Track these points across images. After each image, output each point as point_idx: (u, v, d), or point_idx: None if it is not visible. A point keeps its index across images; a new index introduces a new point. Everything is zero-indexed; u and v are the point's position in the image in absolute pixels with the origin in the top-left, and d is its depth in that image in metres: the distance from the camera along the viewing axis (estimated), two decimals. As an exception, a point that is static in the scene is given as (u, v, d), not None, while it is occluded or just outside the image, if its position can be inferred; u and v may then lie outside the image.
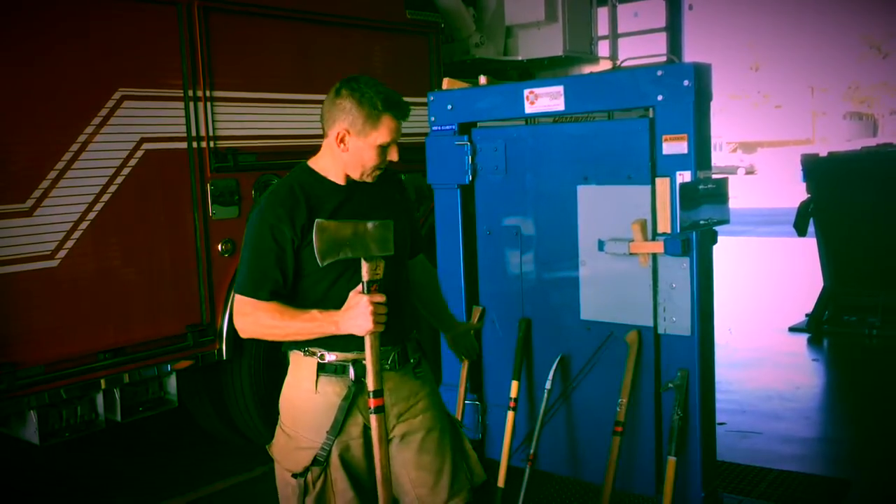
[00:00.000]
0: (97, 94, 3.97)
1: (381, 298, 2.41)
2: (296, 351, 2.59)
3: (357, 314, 2.40)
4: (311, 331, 2.47)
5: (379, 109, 2.50)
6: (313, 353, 2.55)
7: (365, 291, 2.41)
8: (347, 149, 2.54)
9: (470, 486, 2.75)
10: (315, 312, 2.46)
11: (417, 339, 2.75)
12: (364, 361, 2.49)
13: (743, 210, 18.67)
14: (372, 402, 2.45)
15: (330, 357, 2.54)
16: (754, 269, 12.01)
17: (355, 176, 2.59)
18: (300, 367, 2.59)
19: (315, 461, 2.53)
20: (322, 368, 2.54)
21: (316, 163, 2.63)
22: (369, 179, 2.59)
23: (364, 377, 2.50)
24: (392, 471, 2.61)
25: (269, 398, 4.71)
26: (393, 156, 2.58)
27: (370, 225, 2.44)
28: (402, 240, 2.66)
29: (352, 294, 2.43)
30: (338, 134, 2.53)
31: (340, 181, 2.59)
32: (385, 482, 2.47)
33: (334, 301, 2.47)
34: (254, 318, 2.50)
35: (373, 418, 2.45)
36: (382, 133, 2.52)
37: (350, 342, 2.50)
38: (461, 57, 6.32)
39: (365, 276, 2.42)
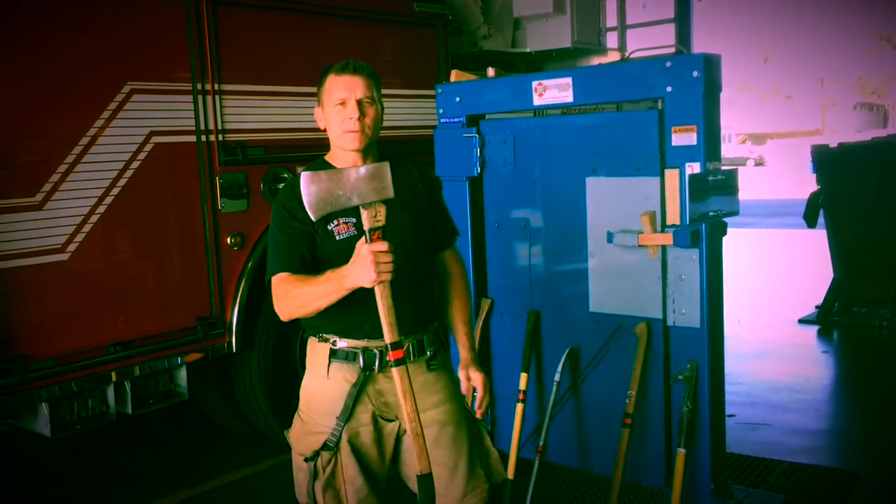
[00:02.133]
0: (106, 88, 3.98)
1: (383, 246, 2.29)
2: (312, 337, 2.61)
3: (360, 265, 2.29)
4: (328, 291, 2.40)
5: (324, 74, 2.58)
6: (326, 340, 2.57)
7: (368, 240, 2.33)
8: (324, 125, 2.59)
9: (488, 483, 2.69)
10: (329, 273, 2.41)
11: (437, 331, 2.71)
12: (373, 349, 2.50)
13: (752, 202, 18.61)
14: (391, 355, 2.36)
15: (342, 344, 2.55)
16: (764, 260, 11.98)
17: (342, 145, 2.55)
18: (315, 354, 2.60)
19: (325, 446, 2.53)
20: (334, 354, 2.55)
21: (329, 155, 2.66)
22: (354, 143, 2.52)
23: (374, 365, 2.52)
24: (409, 463, 2.61)
25: (278, 390, 4.73)
26: (352, 112, 2.50)
27: (362, 170, 2.35)
28: (419, 228, 2.65)
29: (357, 245, 2.34)
30: (317, 118, 2.62)
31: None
32: (417, 436, 2.38)
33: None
34: (285, 293, 2.47)
35: (394, 371, 2.36)
36: (329, 89, 2.55)
37: (359, 329, 2.51)
38: (469, 49, 6.31)
39: (365, 224, 2.31)
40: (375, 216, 2.32)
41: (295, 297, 2.47)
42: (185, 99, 4.29)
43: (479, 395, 2.72)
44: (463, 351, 2.76)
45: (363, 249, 2.30)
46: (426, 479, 2.41)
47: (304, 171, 2.58)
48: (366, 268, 2.28)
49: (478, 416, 2.74)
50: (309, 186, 2.32)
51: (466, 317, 2.82)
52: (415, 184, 2.70)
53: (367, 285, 2.32)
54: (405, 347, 2.52)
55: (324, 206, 2.33)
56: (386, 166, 2.38)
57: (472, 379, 2.72)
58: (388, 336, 2.36)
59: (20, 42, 3.71)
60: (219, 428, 5.30)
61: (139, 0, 4.11)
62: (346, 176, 2.34)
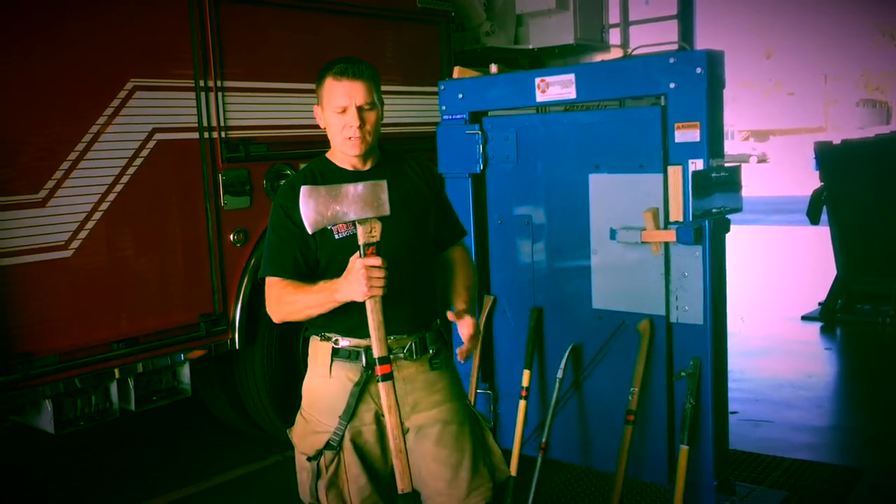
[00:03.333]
0: (109, 85, 3.98)
1: (376, 262, 2.31)
2: (314, 336, 2.62)
3: (352, 279, 2.32)
4: (320, 302, 2.44)
5: (323, 75, 2.55)
6: (329, 339, 2.57)
7: (362, 255, 2.34)
8: (324, 124, 2.59)
9: (492, 482, 2.68)
10: (322, 283, 2.45)
11: (440, 329, 2.70)
12: None
13: (755, 198, 18.59)
14: (378, 370, 2.38)
15: (344, 343, 2.55)
16: (767, 257, 11.97)
17: (342, 150, 2.56)
18: (317, 352, 2.61)
19: (328, 445, 2.53)
20: (336, 353, 2.56)
21: (331, 153, 2.66)
22: (354, 150, 2.54)
23: (376, 364, 2.51)
24: (412, 462, 2.58)
25: (281, 387, 4.73)
26: (352, 120, 2.50)
27: (360, 186, 2.37)
28: (422, 227, 2.65)
29: (351, 259, 2.36)
30: (317, 116, 2.61)
31: (349, 167, 2.60)
32: (399, 453, 2.41)
33: None
34: (278, 297, 2.51)
35: (381, 387, 2.38)
36: (328, 94, 2.54)
37: (362, 328, 2.48)
38: (472, 46, 6.30)
39: (360, 239, 2.33)
40: (370, 232, 2.35)
41: (287, 303, 2.50)
42: (188, 96, 4.29)
43: (464, 343, 2.59)
44: (459, 303, 2.70)
45: (356, 263, 2.33)
46: (407, 499, 2.43)
47: (305, 168, 2.61)
48: (358, 282, 2.31)
49: (460, 360, 2.64)
50: (307, 201, 2.35)
51: (469, 282, 2.78)
52: (417, 182, 2.70)
53: (359, 299, 2.34)
54: (406, 351, 2.56)
55: (321, 220, 2.36)
56: (383, 184, 2.40)
57: (461, 326, 2.62)
58: (377, 351, 2.38)
59: (23, 39, 3.70)
60: (222, 425, 5.31)
61: (142, -3, 4.12)
62: (343, 192, 2.36)
